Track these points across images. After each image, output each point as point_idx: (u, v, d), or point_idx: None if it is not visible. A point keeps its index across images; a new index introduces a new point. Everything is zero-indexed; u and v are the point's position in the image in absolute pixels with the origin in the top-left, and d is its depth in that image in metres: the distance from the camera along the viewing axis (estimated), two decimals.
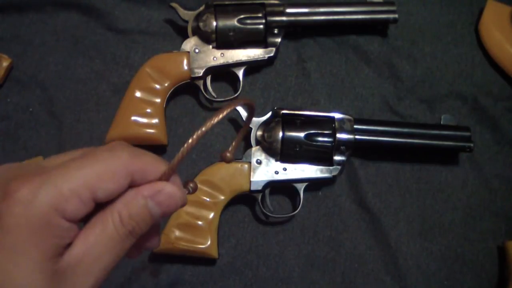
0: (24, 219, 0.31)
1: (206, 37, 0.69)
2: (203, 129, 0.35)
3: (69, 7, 0.75)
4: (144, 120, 0.67)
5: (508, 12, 0.77)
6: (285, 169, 0.65)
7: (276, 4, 0.71)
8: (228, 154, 0.40)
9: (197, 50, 0.70)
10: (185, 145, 0.36)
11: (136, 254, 0.40)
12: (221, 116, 0.36)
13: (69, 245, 0.34)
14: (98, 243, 0.35)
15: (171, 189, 0.37)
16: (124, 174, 0.35)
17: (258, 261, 0.68)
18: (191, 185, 0.40)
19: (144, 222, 0.36)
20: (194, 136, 0.36)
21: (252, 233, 0.69)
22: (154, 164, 0.37)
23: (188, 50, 0.70)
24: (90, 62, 0.74)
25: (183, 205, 0.39)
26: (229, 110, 0.36)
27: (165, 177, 0.37)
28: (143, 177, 0.36)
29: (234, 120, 0.72)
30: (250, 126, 0.67)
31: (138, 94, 0.67)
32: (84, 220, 0.36)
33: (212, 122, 0.36)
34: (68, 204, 0.32)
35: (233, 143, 0.41)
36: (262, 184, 0.65)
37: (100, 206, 0.35)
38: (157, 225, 0.40)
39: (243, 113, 0.67)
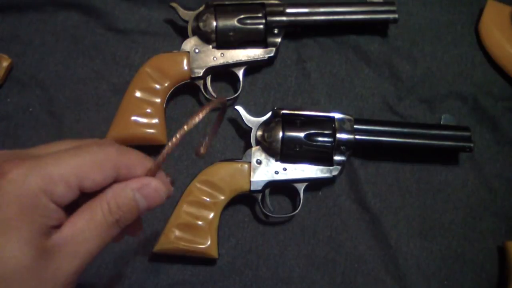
0: (15, 198, 0.34)
1: (206, 37, 0.69)
2: (185, 128, 0.38)
3: (69, 7, 0.75)
4: (144, 120, 0.67)
5: (508, 12, 0.77)
6: (285, 169, 0.65)
7: (276, 4, 0.71)
8: (201, 150, 0.42)
9: (197, 50, 0.70)
10: (169, 144, 0.39)
11: (119, 239, 0.43)
12: (201, 115, 0.39)
13: (58, 228, 0.36)
14: (86, 229, 0.37)
15: (157, 184, 0.40)
16: (111, 167, 0.38)
17: (258, 261, 0.68)
18: (168, 180, 0.43)
19: (130, 212, 0.39)
20: (178, 135, 0.39)
21: (252, 233, 0.69)
22: (140, 161, 0.40)
23: (188, 50, 0.70)
24: (90, 62, 0.74)
25: (167, 197, 0.42)
26: (208, 109, 0.39)
27: (151, 173, 0.40)
28: (129, 173, 0.39)
29: (234, 120, 0.72)
30: (250, 126, 0.67)
31: (138, 94, 0.67)
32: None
33: (194, 121, 0.39)
34: (56, 188, 0.35)
35: (206, 139, 0.43)
36: (262, 184, 0.65)
37: (86, 198, 0.38)
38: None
39: (243, 112, 0.67)
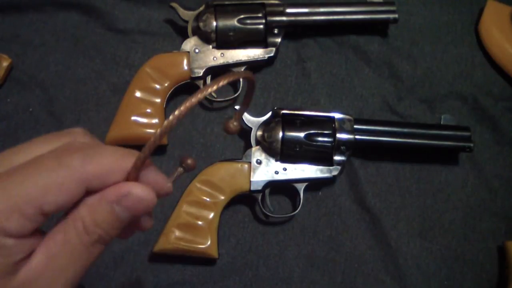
0: None
1: (206, 37, 0.70)
2: (193, 100, 0.32)
3: (69, 7, 0.75)
4: (144, 120, 0.67)
5: (508, 12, 0.77)
6: (285, 169, 0.65)
7: (276, 4, 0.71)
8: (231, 125, 0.34)
9: (197, 50, 0.70)
10: (171, 117, 0.32)
11: (128, 235, 0.38)
12: (215, 87, 0.32)
13: (27, 258, 0.31)
14: (60, 255, 0.32)
15: (139, 191, 0.33)
16: (75, 184, 0.31)
17: (258, 261, 0.68)
18: (189, 161, 0.35)
19: (112, 228, 0.33)
20: (186, 105, 0.32)
21: (252, 233, 0.69)
22: (116, 164, 0.33)
23: (188, 50, 0.70)
24: (90, 62, 0.74)
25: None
26: (225, 82, 0.32)
27: (133, 176, 0.33)
28: (103, 181, 0.32)
29: None
30: (250, 126, 0.67)
31: (138, 94, 0.67)
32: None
33: (204, 93, 0.32)
34: (9, 222, 0.30)
35: (236, 114, 0.35)
36: (262, 184, 0.65)
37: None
38: None
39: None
